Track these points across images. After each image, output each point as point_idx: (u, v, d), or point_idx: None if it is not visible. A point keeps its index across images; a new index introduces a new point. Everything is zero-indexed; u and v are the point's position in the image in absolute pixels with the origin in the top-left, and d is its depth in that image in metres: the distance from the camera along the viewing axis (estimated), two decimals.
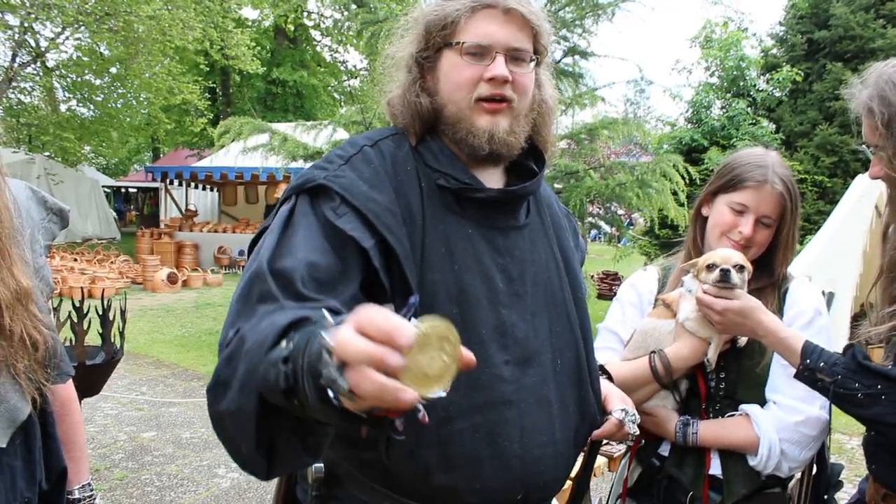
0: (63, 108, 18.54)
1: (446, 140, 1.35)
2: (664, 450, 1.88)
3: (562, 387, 1.36)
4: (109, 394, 6.27)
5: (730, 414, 1.79)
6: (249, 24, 24.45)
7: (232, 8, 18.27)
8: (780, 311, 1.80)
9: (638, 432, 1.52)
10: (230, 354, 0.97)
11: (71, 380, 1.62)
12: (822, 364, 1.53)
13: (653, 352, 1.81)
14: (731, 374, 1.81)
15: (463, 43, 1.29)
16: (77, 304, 3.17)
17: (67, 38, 16.59)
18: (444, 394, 0.85)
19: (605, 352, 1.95)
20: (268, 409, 0.89)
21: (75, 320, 3.18)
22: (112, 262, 14.87)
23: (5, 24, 15.07)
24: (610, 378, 1.64)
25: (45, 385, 1.41)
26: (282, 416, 0.90)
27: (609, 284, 14.23)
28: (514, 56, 1.30)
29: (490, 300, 1.28)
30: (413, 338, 0.77)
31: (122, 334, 3.43)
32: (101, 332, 3.33)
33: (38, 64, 16.82)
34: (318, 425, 0.91)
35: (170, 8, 15.49)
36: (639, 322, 1.93)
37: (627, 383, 1.81)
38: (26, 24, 15.19)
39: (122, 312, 3.46)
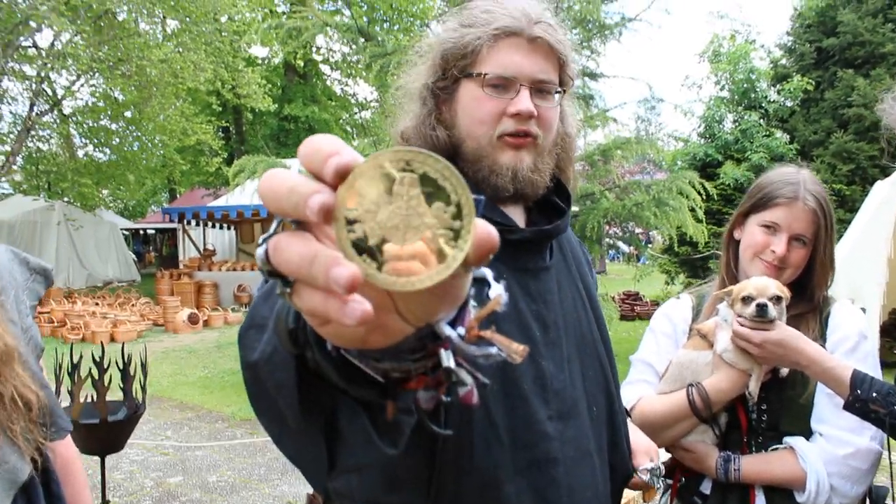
0: (80, 153, 18.80)
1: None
2: (706, 487, 1.80)
3: (599, 436, 1.29)
4: (134, 440, 6.23)
5: (773, 448, 1.71)
6: (259, 62, 24.78)
7: (242, 47, 18.54)
8: (822, 338, 1.73)
9: (663, 487, 1.46)
10: (270, 288, 0.80)
11: (70, 437, 1.59)
12: (874, 394, 1.46)
13: (690, 385, 1.74)
14: (774, 406, 1.73)
15: (485, 74, 1.19)
16: (98, 360, 3.15)
17: (83, 85, 16.91)
18: (492, 350, 0.54)
19: (641, 385, 1.88)
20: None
21: (96, 376, 3.15)
22: (133, 305, 14.95)
23: (23, 74, 15.38)
24: (627, 413, 1.56)
25: (42, 444, 1.39)
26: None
27: (630, 305, 14.12)
28: (539, 88, 1.21)
29: (529, 351, 1.20)
30: (350, 163, 0.44)
31: (143, 388, 3.40)
32: (122, 386, 3.30)
33: (55, 112, 17.12)
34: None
35: (181, 51, 15.75)
36: (674, 353, 1.86)
37: (665, 418, 1.74)
38: (43, 74, 15.50)
39: (143, 365, 3.43)
